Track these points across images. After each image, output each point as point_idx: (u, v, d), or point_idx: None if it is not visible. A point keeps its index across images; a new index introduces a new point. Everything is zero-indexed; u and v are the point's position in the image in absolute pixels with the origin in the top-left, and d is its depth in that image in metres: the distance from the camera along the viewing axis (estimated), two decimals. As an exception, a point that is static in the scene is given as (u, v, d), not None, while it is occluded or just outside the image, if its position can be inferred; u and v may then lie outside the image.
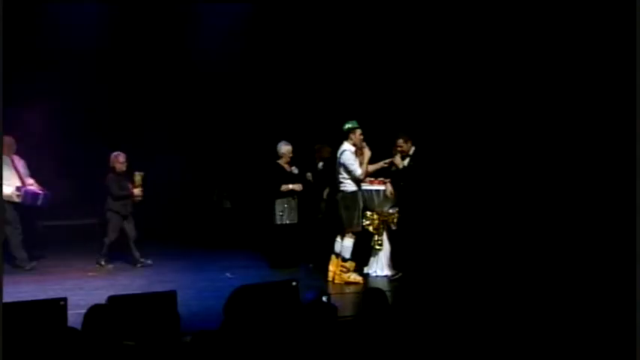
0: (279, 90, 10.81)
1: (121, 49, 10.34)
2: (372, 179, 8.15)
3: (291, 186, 8.52)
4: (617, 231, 7.07)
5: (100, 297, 5.01)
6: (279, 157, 8.60)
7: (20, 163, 8.35)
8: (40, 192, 8.32)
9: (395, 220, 8.01)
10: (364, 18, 9.87)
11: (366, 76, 9.97)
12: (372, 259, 8.19)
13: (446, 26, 9.25)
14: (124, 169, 8.52)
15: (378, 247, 8.09)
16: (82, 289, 7.17)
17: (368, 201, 8.04)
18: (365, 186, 8.04)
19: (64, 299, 4.54)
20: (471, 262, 8.04)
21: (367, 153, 7.84)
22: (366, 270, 8.16)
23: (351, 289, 7.52)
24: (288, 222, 8.52)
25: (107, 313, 3.83)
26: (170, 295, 4.98)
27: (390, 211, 8.06)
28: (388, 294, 4.43)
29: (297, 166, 8.76)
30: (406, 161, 7.98)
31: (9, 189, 8.03)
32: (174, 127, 10.86)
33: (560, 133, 8.30)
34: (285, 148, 8.61)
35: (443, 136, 8.95)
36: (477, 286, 7.13)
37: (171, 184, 10.45)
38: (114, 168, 8.49)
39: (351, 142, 7.81)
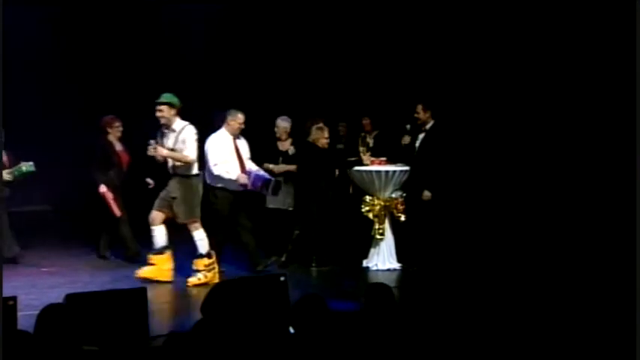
0: (282, 61, 10.87)
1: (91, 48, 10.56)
2: (373, 159, 8.15)
3: (285, 167, 8.45)
4: (618, 231, 7.28)
5: (57, 295, 4.99)
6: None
7: (242, 144, 8.04)
8: (270, 177, 8.01)
9: (399, 207, 8.02)
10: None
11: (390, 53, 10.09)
12: (372, 250, 8.19)
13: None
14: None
15: (379, 236, 8.08)
16: (35, 287, 7.12)
17: (368, 184, 8.04)
18: (364, 167, 8.05)
19: (14, 298, 4.49)
20: (485, 255, 8.07)
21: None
22: (365, 263, 8.18)
23: None
24: (283, 208, 8.45)
25: (64, 314, 3.80)
26: (139, 293, 4.99)
27: (393, 195, 8.06)
28: (394, 290, 4.40)
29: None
30: (420, 136, 8.03)
31: (235, 173, 7.75)
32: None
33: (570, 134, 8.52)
34: (281, 124, 8.56)
35: (467, 115, 9.00)
36: (490, 281, 7.18)
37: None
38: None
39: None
